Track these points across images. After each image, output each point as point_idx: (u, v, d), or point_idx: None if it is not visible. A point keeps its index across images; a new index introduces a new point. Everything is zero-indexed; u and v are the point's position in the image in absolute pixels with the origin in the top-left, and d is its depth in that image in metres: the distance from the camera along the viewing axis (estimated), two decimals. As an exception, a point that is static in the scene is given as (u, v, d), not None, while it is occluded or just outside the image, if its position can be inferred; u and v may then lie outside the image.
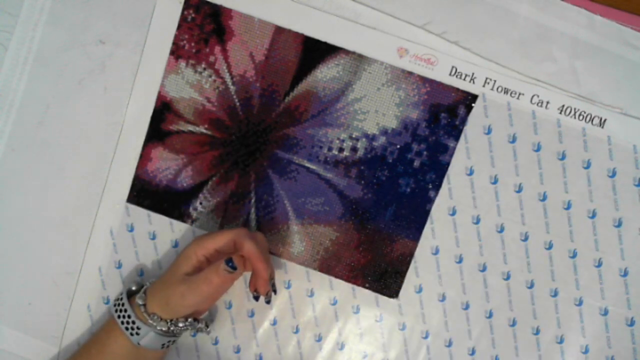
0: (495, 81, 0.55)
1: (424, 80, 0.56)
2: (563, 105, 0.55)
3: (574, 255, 0.56)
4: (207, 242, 0.52)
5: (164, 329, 0.52)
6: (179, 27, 0.57)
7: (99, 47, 0.58)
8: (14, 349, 0.60)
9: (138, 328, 0.52)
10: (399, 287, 0.58)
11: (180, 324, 0.53)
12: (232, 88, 0.57)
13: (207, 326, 0.56)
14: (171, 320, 0.52)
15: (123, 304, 0.53)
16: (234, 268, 0.50)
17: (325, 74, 0.56)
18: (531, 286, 0.57)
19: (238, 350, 0.59)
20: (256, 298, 0.54)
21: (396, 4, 0.55)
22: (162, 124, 0.58)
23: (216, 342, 0.59)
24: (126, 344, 0.52)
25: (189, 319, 0.54)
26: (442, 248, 0.57)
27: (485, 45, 0.55)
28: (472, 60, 0.55)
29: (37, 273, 0.60)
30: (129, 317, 0.52)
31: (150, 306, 0.52)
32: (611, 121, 0.55)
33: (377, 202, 0.57)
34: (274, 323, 0.59)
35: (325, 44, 0.56)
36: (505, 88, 0.55)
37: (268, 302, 0.54)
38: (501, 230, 0.57)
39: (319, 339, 0.59)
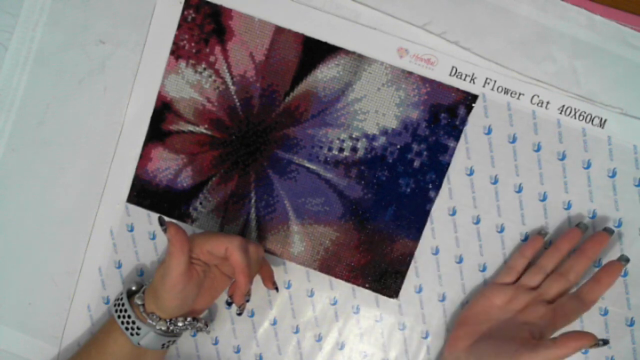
0: (495, 81, 0.55)
1: (424, 80, 0.56)
2: (563, 106, 0.55)
3: (574, 255, 0.56)
4: (201, 241, 0.51)
5: (163, 328, 0.52)
6: (179, 27, 0.57)
7: (99, 47, 0.58)
8: (14, 349, 0.60)
9: (138, 328, 0.52)
10: (399, 287, 0.58)
11: (180, 324, 0.53)
12: (232, 88, 0.57)
13: (206, 325, 0.56)
14: (170, 320, 0.52)
15: (123, 304, 0.53)
16: (162, 224, 0.50)
17: (325, 74, 0.56)
18: (531, 286, 0.57)
19: (238, 350, 0.59)
20: (230, 304, 0.55)
21: (396, 4, 0.55)
22: (162, 124, 0.58)
23: (216, 342, 0.59)
24: (126, 344, 0.52)
25: (188, 318, 0.54)
26: (442, 248, 0.57)
27: (486, 46, 0.55)
28: (472, 60, 0.55)
29: (37, 273, 0.60)
30: (129, 317, 0.52)
31: (148, 305, 0.52)
32: (611, 121, 0.55)
33: (377, 202, 0.57)
34: (274, 323, 0.59)
35: (325, 44, 0.56)
36: (505, 88, 0.55)
37: (239, 314, 0.53)
38: (501, 230, 0.57)
39: (319, 339, 0.59)
